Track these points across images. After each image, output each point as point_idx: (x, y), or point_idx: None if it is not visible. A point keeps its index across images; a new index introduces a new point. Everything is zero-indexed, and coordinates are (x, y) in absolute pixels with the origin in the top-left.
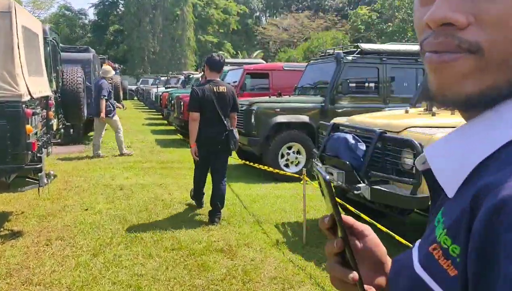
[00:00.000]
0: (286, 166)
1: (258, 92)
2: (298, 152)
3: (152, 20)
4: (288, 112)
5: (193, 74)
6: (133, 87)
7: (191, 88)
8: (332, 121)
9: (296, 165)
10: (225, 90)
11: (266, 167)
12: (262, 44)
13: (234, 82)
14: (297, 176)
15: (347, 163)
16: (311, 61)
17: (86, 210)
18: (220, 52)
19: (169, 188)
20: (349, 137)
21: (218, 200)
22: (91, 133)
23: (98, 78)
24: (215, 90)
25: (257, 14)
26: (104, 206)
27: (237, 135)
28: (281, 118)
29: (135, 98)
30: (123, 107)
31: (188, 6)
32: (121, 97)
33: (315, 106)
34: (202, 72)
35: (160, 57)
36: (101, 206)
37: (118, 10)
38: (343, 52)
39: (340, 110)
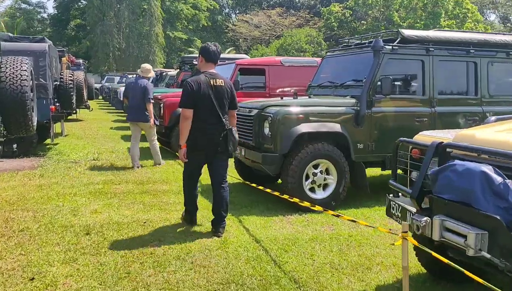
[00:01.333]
0: (311, 190)
1: (253, 92)
2: (327, 171)
3: (117, 14)
4: (314, 119)
5: (166, 71)
6: (98, 86)
7: (184, 82)
8: (434, 139)
9: (324, 189)
10: (223, 84)
11: (286, 196)
12: (233, 41)
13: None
14: (333, 213)
15: (495, 217)
16: (328, 53)
17: (32, 280)
18: (190, 49)
19: (158, 229)
20: (491, 172)
21: (221, 207)
22: (48, 140)
23: (137, 77)
24: (212, 83)
25: (227, 10)
26: (62, 271)
27: (236, 135)
28: (306, 127)
29: (100, 97)
30: (89, 109)
31: (156, 0)
32: (86, 97)
33: (347, 110)
34: (179, 70)
35: (126, 54)
36: (57, 270)
37: (80, 3)
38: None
39: (379, 115)
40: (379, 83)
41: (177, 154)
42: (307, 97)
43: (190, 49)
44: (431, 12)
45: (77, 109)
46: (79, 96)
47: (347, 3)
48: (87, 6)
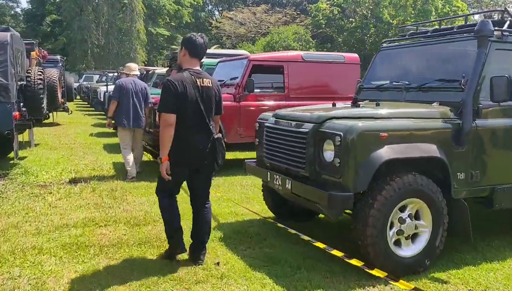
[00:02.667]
0: (397, 243)
1: (268, 94)
2: (416, 216)
3: (95, 9)
4: (399, 138)
5: (152, 69)
6: (75, 85)
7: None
8: None
9: (413, 241)
10: (211, 84)
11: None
12: (217, 39)
13: (232, 78)
14: None
15: None
16: (384, 45)
17: None
18: (173, 46)
19: None
20: None
21: (203, 230)
22: (11, 154)
23: (131, 78)
24: (198, 83)
25: (209, 7)
26: None
27: (223, 144)
28: (392, 152)
29: (78, 97)
30: (68, 112)
31: None
32: (60, 98)
33: (443, 125)
34: (169, 67)
35: (106, 51)
36: None
37: None
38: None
39: (486, 131)
40: (489, 84)
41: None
42: (376, 104)
43: (173, 46)
44: (421, 9)
45: (50, 114)
46: (52, 98)
47: (335, 0)
48: (64, 0)
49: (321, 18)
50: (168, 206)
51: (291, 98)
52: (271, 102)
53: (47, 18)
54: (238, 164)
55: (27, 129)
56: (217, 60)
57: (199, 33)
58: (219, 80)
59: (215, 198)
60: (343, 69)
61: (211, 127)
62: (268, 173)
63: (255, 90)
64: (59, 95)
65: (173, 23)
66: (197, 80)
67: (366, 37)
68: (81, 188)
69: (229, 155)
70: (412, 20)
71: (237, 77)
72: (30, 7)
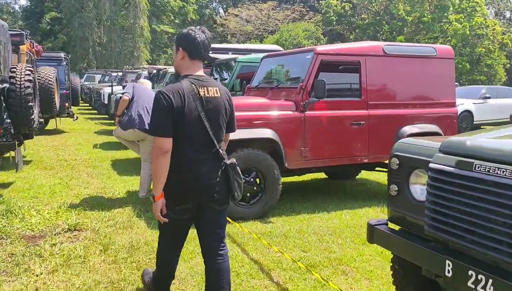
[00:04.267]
0: None
1: (340, 100)
2: None
3: (97, 6)
4: None
5: (164, 68)
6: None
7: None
8: None
9: None
10: (219, 94)
11: None
12: (222, 37)
13: (290, 80)
14: None
15: None
16: None
17: None
18: None
19: None
20: None
21: (220, 286)
22: None
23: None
24: (202, 94)
25: (214, 5)
26: None
27: (240, 172)
28: None
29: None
30: (73, 118)
31: None
32: (57, 104)
33: None
34: None
35: (108, 49)
36: None
37: None
38: None
39: None
40: None
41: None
42: None
43: None
44: (438, 5)
45: (45, 121)
46: (47, 105)
47: None
48: None
49: (332, 14)
50: (164, 252)
51: (370, 106)
52: (345, 112)
53: (46, 15)
54: (292, 188)
55: (11, 150)
56: (254, 55)
57: (199, 27)
58: (267, 82)
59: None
60: (435, 65)
61: (220, 150)
62: (450, 264)
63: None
64: (57, 99)
65: (177, 21)
66: (200, 89)
67: (379, 34)
68: (86, 244)
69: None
70: (429, 16)
71: (298, 78)
72: (28, 4)
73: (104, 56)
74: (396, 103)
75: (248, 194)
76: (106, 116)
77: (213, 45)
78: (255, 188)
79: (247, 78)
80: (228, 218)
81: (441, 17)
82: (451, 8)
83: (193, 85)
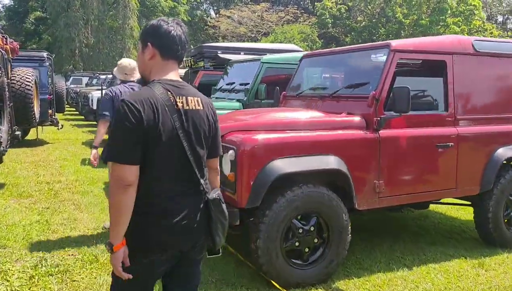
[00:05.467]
0: None
1: (425, 114)
2: None
3: (84, 5)
4: None
5: None
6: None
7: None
8: None
9: None
10: (201, 106)
11: None
12: (213, 39)
13: (357, 86)
14: None
15: None
16: None
17: None
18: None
19: None
20: None
21: None
22: None
23: (132, 87)
24: (180, 104)
25: (204, 7)
26: None
27: (225, 210)
28: None
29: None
30: (57, 127)
31: None
32: (37, 112)
33: None
34: (190, 67)
35: (96, 51)
36: None
37: None
38: None
39: None
40: None
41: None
42: None
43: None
44: (435, 8)
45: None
46: (23, 113)
47: None
48: None
49: (327, 17)
50: None
51: (459, 122)
52: (429, 130)
53: (30, 15)
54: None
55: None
56: (280, 55)
57: (172, 18)
58: (314, 89)
59: None
60: None
61: (202, 181)
62: None
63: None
64: (37, 107)
65: None
66: (178, 99)
67: (375, 38)
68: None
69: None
70: (427, 19)
71: (365, 84)
72: (12, 4)
73: (92, 58)
74: (488, 118)
75: (307, 249)
76: (95, 123)
77: (221, 44)
78: (316, 241)
79: (273, 82)
80: (276, 285)
81: (439, 20)
82: (448, 11)
83: (169, 93)
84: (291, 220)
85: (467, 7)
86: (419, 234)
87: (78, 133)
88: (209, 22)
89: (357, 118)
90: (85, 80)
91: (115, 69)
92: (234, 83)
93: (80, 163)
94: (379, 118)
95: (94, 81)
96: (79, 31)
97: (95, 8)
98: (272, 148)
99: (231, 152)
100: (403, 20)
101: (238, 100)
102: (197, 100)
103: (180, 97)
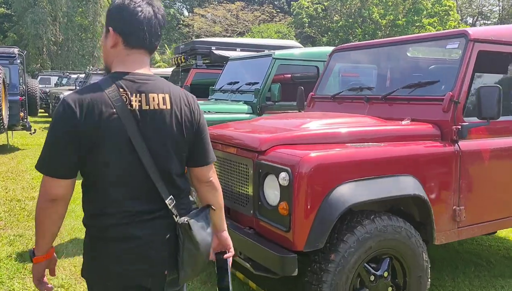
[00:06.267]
0: None
1: (507, 119)
2: None
3: (52, 1)
4: None
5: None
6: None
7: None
8: None
9: None
10: (168, 104)
11: None
12: (187, 38)
13: (421, 86)
14: None
15: None
16: None
17: None
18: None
19: None
20: None
21: None
22: None
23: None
24: (134, 104)
25: (177, 5)
26: None
27: (206, 236)
28: None
29: None
30: (30, 131)
31: None
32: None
33: None
34: (177, 64)
35: (64, 49)
36: None
37: None
38: None
39: None
40: None
41: None
42: None
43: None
44: (411, 8)
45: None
46: None
47: None
48: None
49: (304, 16)
50: None
51: None
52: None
53: None
54: None
55: None
56: (292, 51)
57: None
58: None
59: None
60: None
61: (169, 200)
62: None
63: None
64: (5, 110)
65: None
66: (133, 97)
67: (351, 38)
68: None
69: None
70: (404, 20)
71: (433, 83)
72: None
73: (60, 56)
74: None
75: None
76: None
77: (214, 39)
78: (391, 289)
79: (285, 82)
80: None
81: (415, 20)
82: (424, 12)
83: (121, 90)
84: (362, 265)
85: (442, 7)
86: (481, 265)
87: None
88: (182, 21)
89: (429, 127)
90: (54, 80)
91: (90, 67)
92: (238, 82)
93: None
94: (459, 127)
95: (64, 81)
96: (47, 28)
97: (64, 4)
98: (340, 168)
99: (283, 174)
100: (380, 20)
101: (245, 102)
102: (163, 98)
103: (137, 95)
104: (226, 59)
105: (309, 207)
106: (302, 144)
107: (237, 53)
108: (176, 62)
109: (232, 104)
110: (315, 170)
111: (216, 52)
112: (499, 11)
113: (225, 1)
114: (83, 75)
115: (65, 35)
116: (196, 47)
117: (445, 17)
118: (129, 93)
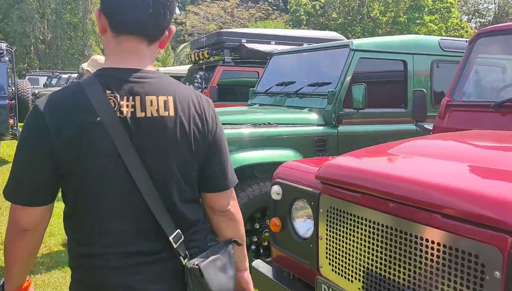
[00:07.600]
0: None
1: None
2: None
3: None
4: None
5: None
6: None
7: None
8: None
9: None
10: (171, 111)
11: None
12: (180, 36)
13: None
14: None
15: None
16: None
17: None
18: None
19: None
20: None
21: None
22: None
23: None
24: (125, 111)
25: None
26: None
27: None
28: None
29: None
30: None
31: None
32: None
33: None
34: (193, 63)
35: (53, 48)
36: None
37: None
38: None
39: None
40: None
41: None
42: None
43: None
44: (413, 5)
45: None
46: None
47: None
48: None
49: (302, 13)
50: None
51: None
52: None
53: None
54: None
55: None
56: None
57: None
58: None
59: None
60: None
61: (173, 237)
62: None
63: None
64: None
65: None
66: (123, 101)
67: (350, 35)
68: None
69: None
70: (405, 17)
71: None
72: None
73: (49, 55)
74: None
75: None
76: None
77: (244, 30)
78: None
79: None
80: None
81: (417, 18)
82: (425, 9)
83: (107, 92)
84: None
85: (443, 4)
86: None
87: None
88: (174, 19)
89: None
90: (42, 80)
91: (85, 64)
92: (294, 83)
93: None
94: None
95: (54, 81)
96: (34, 26)
97: (52, 1)
98: None
99: None
100: (380, 17)
101: (311, 110)
102: (165, 102)
103: (129, 98)
104: (260, 54)
105: None
106: None
107: (272, 47)
108: (195, 59)
109: (293, 113)
110: None
111: (247, 45)
112: (495, 9)
113: None
114: (75, 75)
115: (54, 33)
116: (222, 40)
117: (446, 14)
118: (118, 96)
